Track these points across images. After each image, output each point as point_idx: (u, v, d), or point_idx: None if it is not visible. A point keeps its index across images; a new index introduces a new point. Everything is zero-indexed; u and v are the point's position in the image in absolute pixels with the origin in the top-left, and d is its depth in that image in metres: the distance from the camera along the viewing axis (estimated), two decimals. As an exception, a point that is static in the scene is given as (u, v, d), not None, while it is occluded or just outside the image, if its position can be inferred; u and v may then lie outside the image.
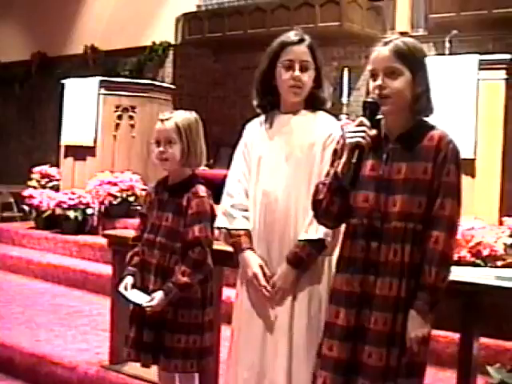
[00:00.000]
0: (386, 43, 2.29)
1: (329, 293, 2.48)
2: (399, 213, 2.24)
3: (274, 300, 2.63)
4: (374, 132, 2.26)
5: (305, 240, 2.59)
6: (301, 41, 2.67)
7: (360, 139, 2.22)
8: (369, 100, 2.28)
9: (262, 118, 2.80)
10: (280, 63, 2.67)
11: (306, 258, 2.59)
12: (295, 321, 2.62)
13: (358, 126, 2.25)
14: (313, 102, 2.73)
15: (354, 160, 2.23)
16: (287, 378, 2.59)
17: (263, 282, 2.62)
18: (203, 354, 2.97)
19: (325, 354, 2.34)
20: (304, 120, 2.70)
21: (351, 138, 2.24)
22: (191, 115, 3.03)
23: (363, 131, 2.23)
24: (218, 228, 2.80)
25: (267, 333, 2.65)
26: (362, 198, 2.31)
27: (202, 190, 2.96)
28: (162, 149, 2.95)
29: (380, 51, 2.28)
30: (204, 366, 3.00)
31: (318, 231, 2.56)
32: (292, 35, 2.69)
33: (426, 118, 2.34)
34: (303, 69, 2.65)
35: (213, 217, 2.96)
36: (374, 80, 2.29)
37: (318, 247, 2.58)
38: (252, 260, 2.66)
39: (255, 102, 2.79)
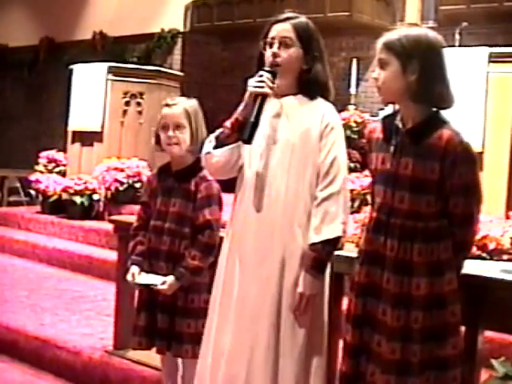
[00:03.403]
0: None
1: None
2: (408, 211, 2.25)
3: (300, 308, 2.51)
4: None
5: (321, 241, 2.50)
6: (286, 19, 2.60)
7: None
8: (265, 69, 2.56)
9: None
10: (266, 42, 2.62)
11: (326, 259, 2.53)
12: (283, 314, 2.53)
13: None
14: (307, 86, 2.63)
15: (256, 109, 2.50)
16: (273, 373, 2.51)
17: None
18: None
19: (344, 337, 2.40)
20: (296, 105, 2.62)
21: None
22: (194, 101, 3.05)
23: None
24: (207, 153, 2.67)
25: (248, 320, 2.56)
26: (377, 192, 2.35)
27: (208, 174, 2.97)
28: (171, 133, 2.96)
29: (376, 43, 2.31)
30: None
31: (334, 229, 2.50)
32: (284, 14, 2.63)
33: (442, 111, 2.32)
34: (283, 45, 2.57)
35: (220, 200, 2.97)
36: None
37: (335, 244, 2.52)
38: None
39: None
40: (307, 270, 2.51)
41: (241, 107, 2.60)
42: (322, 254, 2.50)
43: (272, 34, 2.60)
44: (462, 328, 2.42)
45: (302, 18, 2.63)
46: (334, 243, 2.52)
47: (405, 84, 2.25)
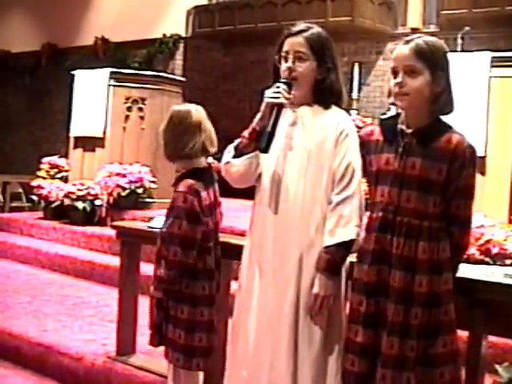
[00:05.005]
0: (407, 41, 2.32)
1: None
2: (414, 210, 2.31)
3: (315, 309, 2.55)
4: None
5: (335, 244, 2.54)
6: (299, 32, 2.65)
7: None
8: (282, 81, 2.62)
9: None
10: (281, 56, 2.69)
11: (340, 261, 2.57)
12: (301, 316, 2.58)
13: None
14: (322, 96, 2.69)
15: (272, 119, 2.56)
16: (294, 375, 2.56)
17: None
18: (207, 353, 2.98)
19: (350, 338, 2.42)
20: (312, 114, 2.68)
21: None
22: (177, 109, 3.05)
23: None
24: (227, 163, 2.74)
25: (265, 325, 2.62)
26: (380, 193, 2.39)
27: (185, 185, 2.95)
28: None
29: (401, 49, 2.32)
30: (208, 365, 3.01)
31: (348, 232, 2.53)
32: (296, 27, 2.68)
33: (443, 116, 2.37)
34: (298, 59, 2.64)
35: (188, 215, 2.91)
36: (395, 77, 2.33)
37: (349, 247, 2.55)
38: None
39: None
40: (322, 271, 2.55)
41: (258, 117, 2.67)
42: (335, 257, 2.55)
43: (286, 47, 2.66)
44: (464, 333, 2.42)
45: (314, 30, 2.68)
46: (348, 246, 2.56)
47: (431, 95, 2.31)
